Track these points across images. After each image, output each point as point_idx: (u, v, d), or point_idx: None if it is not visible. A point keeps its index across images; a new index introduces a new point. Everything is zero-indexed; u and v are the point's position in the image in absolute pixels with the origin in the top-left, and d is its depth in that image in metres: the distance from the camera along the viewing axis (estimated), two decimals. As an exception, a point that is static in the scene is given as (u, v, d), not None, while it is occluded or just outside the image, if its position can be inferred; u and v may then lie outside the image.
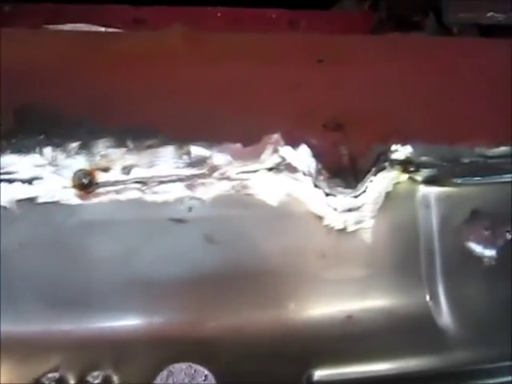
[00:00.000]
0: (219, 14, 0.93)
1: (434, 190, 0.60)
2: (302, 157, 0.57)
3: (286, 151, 0.57)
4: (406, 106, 0.61)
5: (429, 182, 0.61)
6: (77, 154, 0.53)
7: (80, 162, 0.53)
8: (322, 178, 0.57)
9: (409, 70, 0.64)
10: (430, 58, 0.66)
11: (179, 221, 0.55)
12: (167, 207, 0.54)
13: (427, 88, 0.63)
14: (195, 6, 0.90)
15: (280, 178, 0.57)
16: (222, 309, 0.55)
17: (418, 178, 0.61)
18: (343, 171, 0.57)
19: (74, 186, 0.53)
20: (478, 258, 0.61)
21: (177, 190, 0.55)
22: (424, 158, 0.60)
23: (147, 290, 0.54)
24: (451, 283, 0.60)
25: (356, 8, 1.11)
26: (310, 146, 0.57)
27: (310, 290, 0.57)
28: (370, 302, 0.58)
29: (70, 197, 0.53)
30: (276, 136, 0.57)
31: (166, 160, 0.54)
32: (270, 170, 0.57)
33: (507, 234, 0.61)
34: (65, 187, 0.53)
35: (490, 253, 0.61)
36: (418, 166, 0.60)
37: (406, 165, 0.60)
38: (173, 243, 0.55)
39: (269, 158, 0.56)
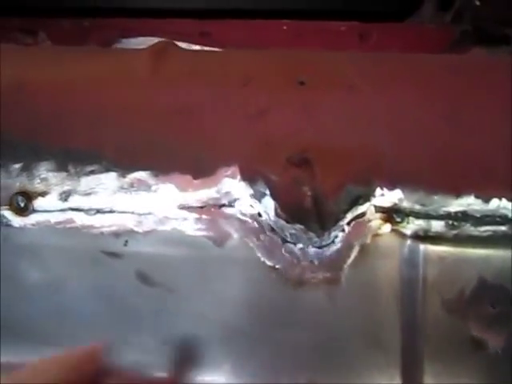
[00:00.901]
0: (285, 28, 0.89)
1: (424, 248, 0.49)
2: (259, 194, 0.49)
3: (242, 187, 0.49)
4: (402, 141, 0.50)
5: (419, 237, 0.49)
6: (17, 175, 0.51)
7: (19, 185, 0.51)
8: (279, 220, 0.49)
9: (413, 97, 0.53)
10: (446, 81, 0.54)
11: (112, 254, 0.50)
12: (102, 239, 0.50)
13: (433, 120, 0.52)
14: (260, 19, 0.88)
15: (230, 217, 0.50)
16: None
17: (406, 230, 0.49)
18: (306, 215, 0.48)
19: (10, 209, 0.51)
20: (479, 344, 0.48)
21: (114, 221, 0.50)
22: (417, 207, 0.49)
23: (70, 322, 0.49)
24: (437, 373, 0.47)
25: (435, 19, 1.03)
26: (267, 183, 0.49)
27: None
28: (324, 377, 0.48)
29: (6, 219, 0.51)
30: (232, 169, 0.50)
31: (107, 188, 0.50)
32: (221, 207, 0.50)
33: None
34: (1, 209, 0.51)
35: (495, 339, 0.47)
36: (408, 216, 0.49)
37: (391, 213, 0.49)
38: (103, 278, 0.50)
39: (221, 194, 0.50)
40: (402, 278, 0.48)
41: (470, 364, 0.47)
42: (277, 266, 0.49)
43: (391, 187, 0.49)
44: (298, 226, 0.48)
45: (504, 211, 0.49)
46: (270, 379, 0.49)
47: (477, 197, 0.49)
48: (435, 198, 0.49)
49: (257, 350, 0.49)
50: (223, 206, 0.50)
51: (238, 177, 0.49)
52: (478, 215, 0.49)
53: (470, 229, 0.49)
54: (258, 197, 0.49)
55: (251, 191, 0.49)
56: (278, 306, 0.49)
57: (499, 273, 0.48)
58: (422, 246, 0.48)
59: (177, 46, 0.59)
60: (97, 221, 0.50)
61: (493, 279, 0.48)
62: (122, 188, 0.50)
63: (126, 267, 0.49)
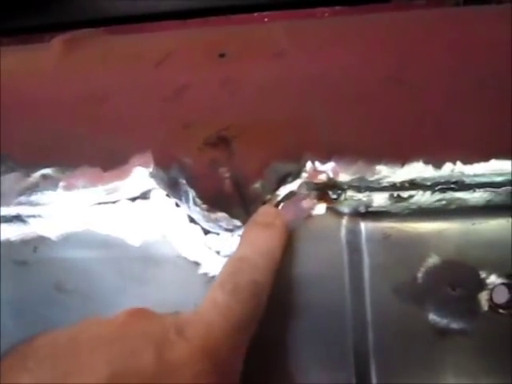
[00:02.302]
0: (266, 20, 0.83)
1: (367, 226, 0.42)
2: (174, 182, 0.43)
3: (155, 176, 0.44)
4: (337, 109, 0.44)
5: (360, 214, 0.42)
6: None
7: None
8: (198, 209, 0.43)
9: (352, 59, 0.47)
10: (391, 39, 0.48)
11: (22, 263, 0.45)
12: (10, 247, 0.45)
13: (375, 82, 0.45)
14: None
15: (145, 211, 0.44)
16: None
17: (344, 209, 0.42)
18: (227, 200, 0.42)
19: None
20: (440, 332, 0.40)
21: (20, 227, 0.45)
22: (356, 181, 0.42)
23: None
24: (390, 365, 0.40)
25: None
26: (182, 168, 0.43)
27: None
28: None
29: None
30: (145, 157, 0.44)
31: (11, 191, 0.45)
32: (134, 199, 0.45)
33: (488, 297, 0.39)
34: None
35: (458, 325, 0.40)
36: (345, 192, 0.42)
37: (325, 190, 0.43)
38: (16, 289, 0.45)
39: (133, 185, 0.44)
40: (344, 262, 0.41)
41: (429, 354, 0.40)
42: (199, 262, 0.43)
43: (324, 160, 0.42)
44: (220, 214, 0.42)
45: (460, 176, 0.42)
46: None
47: (426, 163, 0.42)
48: (377, 168, 0.42)
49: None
50: (137, 198, 0.44)
51: (152, 165, 0.44)
52: (429, 183, 0.42)
53: (420, 200, 0.42)
54: (174, 185, 0.43)
55: (166, 179, 0.44)
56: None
57: (458, 249, 0.40)
58: (364, 224, 0.42)
59: (97, 32, 0.54)
60: (3, 228, 0.45)
61: (451, 257, 0.40)
62: (27, 189, 0.45)
63: (37, 276, 0.45)
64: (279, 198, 0.43)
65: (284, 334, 0.42)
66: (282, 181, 0.42)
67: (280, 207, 0.42)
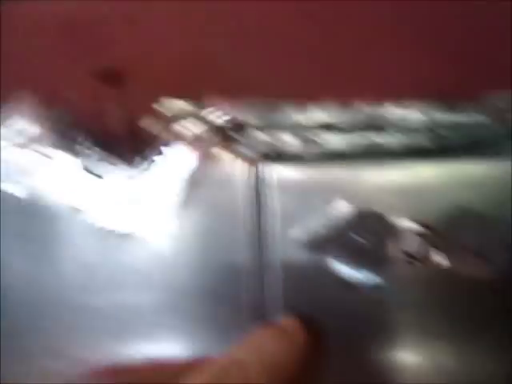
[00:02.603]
0: None
1: (274, 172, 0.38)
2: (59, 122, 0.38)
3: (37, 118, 0.39)
4: (243, 44, 0.40)
5: (265, 157, 0.38)
6: None
7: None
8: (87, 152, 0.38)
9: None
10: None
11: None
12: None
13: (288, 13, 0.41)
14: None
15: (31, 158, 0.39)
16: None
17: (249, 152, 0.38)
18: (115, 141, 0.38)
19: None
20: (349, 282, 0.37)
21: None
22: (261, 121, 0.38)
23: None
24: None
25: None
26: (66, 105, 0.38)
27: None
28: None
29: None
30: (30, 95, 0.39)
31: None
32: (20, 146, 0.39)
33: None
34: None
35: (368, 275, 0.37)
36: (249, 133, 0.39)
37: (227, 131, 0.39)
38: None
39: (14, 132, 0.39)
40: (249, 210, 0.38)
41: (338, 307, 0.37)
42: (87, 210, 0.38)
43: (227, 99, 0.38)
44: (105, 155, 0.37)
45: (375, 119, 0.39)
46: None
47: (338, 104, 0.39)
48: (286, 108, 0.39)
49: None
50: (22, 144, 0.39)
51: (33, 100, 0.39)
52: (343, 126, 0.39)
53: (332, 143, 0.38)
54: (58, 126, 0.38)
55: (52, 120, 0.38)
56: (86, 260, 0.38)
57: (369, 195, 0.37)
58: (271, 169, 0.38)
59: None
60: None
61: (362, 203, 0.37)
62: None
63: None
64: (172, 138, 0.38)
65: (177, 291, 0.38)
66: (178, 120, 0.38)
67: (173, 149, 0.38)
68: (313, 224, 0.37)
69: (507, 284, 0.36)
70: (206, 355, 0.36)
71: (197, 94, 0.38)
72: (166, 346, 0.38)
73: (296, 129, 0.38)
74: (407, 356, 0.37)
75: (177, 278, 0.38)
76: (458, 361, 0.37)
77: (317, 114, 0.39)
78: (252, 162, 0.38)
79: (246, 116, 0.38)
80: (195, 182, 0.38)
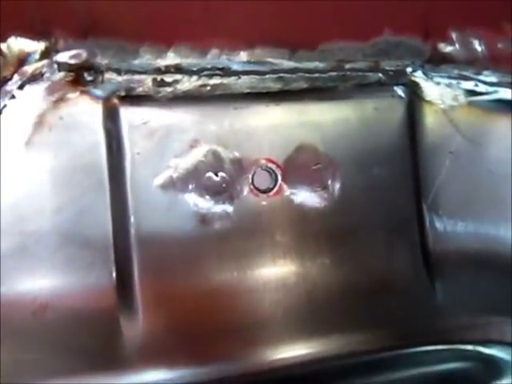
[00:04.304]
0: None
1: (127, 113, 0.39)
2: None
3: None
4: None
5: (119, 99, 0.39)
6: None
7: None
8: None
9: None
10: None
11: None
12: None
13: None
14: None
15: None
16: None
17: (101, 93, 0.38)
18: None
19: None
20: (203, 218, 0.40)
21: None
22: (115, 62, 0.38)
23: None
24: (153, 257, 0.39)
25: None
26: None
27: None
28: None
29: None
30: None
31: None
32: None
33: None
34: None
35: (221, 209, 0.40)
36: (103, 74, 0.39)
37: (80, 72, 0.38)
38: None
39: None
40: (102, 152, 0.38)
41: (194, 241, 0.39)
42: None
43: (78, 38, 0.38)
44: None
45: (225, 63, 0.41)
46: None
47: (192, 48, 0.40)
48: (140, 50, 0.39)
49: None
50: None
51: None
52: (194, 69, 0.40)
53: (184, 85, 0.40)
54: None
55: None
56: None
57: (220, 134, 0.40)
58: (124, 110, 0.38)
59: None
60: None
61: (213, 142, 0.40)
62: None
63: None
64: (22, 80, 0.37)
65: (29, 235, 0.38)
66: (26, 59, 0.37)
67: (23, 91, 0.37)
68: (165, 162, 0.39)
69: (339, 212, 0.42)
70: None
71: (45, 32, 0.37)
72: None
73: (150, 71, 0.39)
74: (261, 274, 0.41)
75: (29, 222, 0.37)
76: (300, 275, 0.42)
77: (170, 58, 0.40)
78: (106, 103, 0.38)
79: (100, 57, 0.38)
80: (47, 124, 0.37)
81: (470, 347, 0.43)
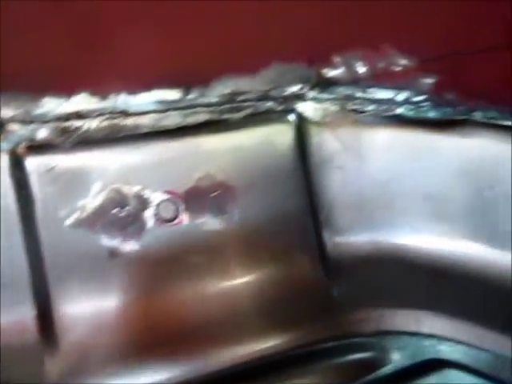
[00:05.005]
0: None
1: (32, 162, 0.42)
2: None
3: None
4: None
5: (24, 149, 0.42)
6: None
7: None
8: None
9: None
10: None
11: None
12: None
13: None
14: None
15: None
16: None
17: (5, 145, 0.41)
18: None
19: None
20: (112, 252, 0.44)
21: None
22: (18, 114, 0.41)
23: None
24: (68, 291, 0.42)
25: None
26: None
27: None
28: None
29: None
30: None
31: None
32: None
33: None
34: None
35: (128, 243, 0.44)
36: (7, 127, 0.42)
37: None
38: None
39: None
40: (12, 201, 0.41)
41: (104, 274, 0.43)
42: None
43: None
44: None
45: (125, 106, 0.44)
46: None
47: (92, 94, 0.44)
48: (42, 100, 0.42)
49: None
50: None
51: None
52: (95, 114, 0.43)
53: (86, 130, 0.43)
54: None
55: None
56: None
57: (122, 172, 0.43)
58: (29, 159, 0.41)
59: None
60: None
61: (116, 180, 0.43)
62: None
63: None
64: None
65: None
66: None
67: None
68: (72, 205, 0.42)
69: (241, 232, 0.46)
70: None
71: None
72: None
73: (53, 120, 0.42)
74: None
75: None
76: (215, 290, 0.47)
77: (71, 105, 0.43)
78: (12, 154, 0.41)
79: (2, 110, 0.41)
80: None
81: (367, 339, 0.49)
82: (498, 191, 0.47)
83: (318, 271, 0.49)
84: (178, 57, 0.48)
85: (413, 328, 0.47)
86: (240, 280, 0.46)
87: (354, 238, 0.51)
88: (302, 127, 0.49)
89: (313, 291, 0.48)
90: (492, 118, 0.50)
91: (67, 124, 0.43)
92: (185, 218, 0.45)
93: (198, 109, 0.46)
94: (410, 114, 0.51)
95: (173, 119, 0.46)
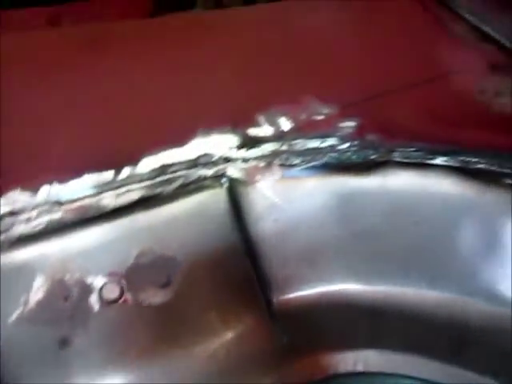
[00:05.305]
0: None
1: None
2: None
3: None
4: None
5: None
6: None
7: None
8: None
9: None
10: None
11: None
12: None
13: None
14: None
15: None
16: None
17: None
18: None
19: None
20: (63, 341, 0.45)
21: None
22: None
23: None
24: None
25: None
26: None
27: None
28: None
29: None
30: None
31: None
32: None
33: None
34: None
35: (76, 329, 0.45)
36: None
37: None
38: None
39: None
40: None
41: (59, 363, 0.44)
42: None
43: None
44: None
45: (58, 196, 0.46)
46: None
47: (23, 189, 0.45)
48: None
49: None
50: None
51: None
52: (29, 209, 0.45)
53: (21, 227, 0.45)
54: None
55: None
56: None
57: (60, 264, 0.45)
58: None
59: None
60: None
61: (56, 272, 0.45)
62: None
63: None
64: None
65: None
66: None
67: None
68: (15, 302, 0.44)
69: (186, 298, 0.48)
70: None
71: None
72: None
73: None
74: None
75: None
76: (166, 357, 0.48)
77: (4, 204, 0.44)
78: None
79: None
80: None
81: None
82: (423, 227, 0.51)
83: (266, 327, 0.51)
84: (105, 140, 0.50)
85: (360, 368, 0.50)
86: (190, 348, 0.48)
87: (297, 287, 0.53)
88: (233, 189, 0.51)
89: (262, 346, 0.50)
90: (412, 156, 0.54)
91: (2, 223, 0.44)
92: (129, 297, 0.47)
93: (131, 186, 0.48)
94: (335, 160, 0.54)
95: (107, 201, 0.47)
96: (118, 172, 0.48)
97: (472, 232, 0.47)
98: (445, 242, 0.48)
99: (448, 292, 0.48)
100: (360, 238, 0.53)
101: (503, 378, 0.46)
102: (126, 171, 0.48)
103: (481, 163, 0.49)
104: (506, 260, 0.45)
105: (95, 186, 0.47)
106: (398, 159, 0.53)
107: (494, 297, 0.46)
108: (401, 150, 0.53)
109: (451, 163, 0.51)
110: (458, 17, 0.64)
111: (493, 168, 0.48)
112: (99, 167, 0.48)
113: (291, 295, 0.53)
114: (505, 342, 0.44)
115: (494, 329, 0.45)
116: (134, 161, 0.49)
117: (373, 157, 0.54)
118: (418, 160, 0.53)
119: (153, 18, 0.89)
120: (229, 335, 0.50)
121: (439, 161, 0.51)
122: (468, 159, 0.51)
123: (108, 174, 0.48)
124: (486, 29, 0.61)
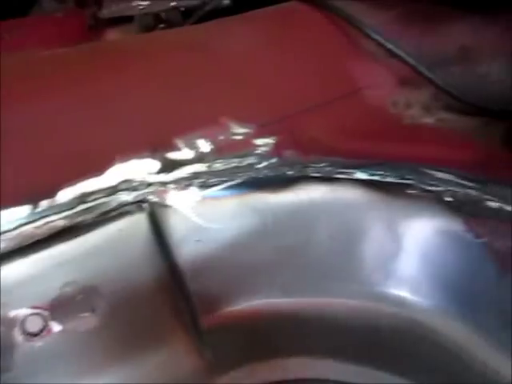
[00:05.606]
0: None
1: None
2: None
3: None
4: None
5: None
6: None
7: None
8: None
9: None
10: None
11: None
12: None
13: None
14: None
15: None
16: None
17: None
18: None
19: None
20: None
21: None
22: None
23: None
24: None
25: (59, 7, 1.00)
26: None
27: None
28: None
29: None
30: None
31: None
32: None
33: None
34: None
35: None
36: None
37: None
38: None
39: None
40: None
41: None
42: None
43: None
44: None
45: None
46: None
47: None
48: None
49: None
50: None
51: None
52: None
53: None
54: None
55: None
56: None
57: None
58: None
59: None
60: None
61: None
62: None
63: None
64: None
65: None
66: None
67: None
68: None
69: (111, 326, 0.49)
70: None
71: None
72: None
73: None
74: None
75: None
76: None
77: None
78: None
79: None
80: None
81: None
82: (337, 240, 0.54)
83: (195, 347, 0.52)
84: (23, 173, 0.50)
85: (291, 376, 0.52)
86: (118, 374, 0.49)
87: (224, 304, 0.55)
88: (154, 213, 0.52)
89: (193, 366, 0.52)
90: (324, 171, 0.57)
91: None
92: (54, 327, 0.47)
93: (49, 218, 0.49)
94: (254, 178, 0.56)
95: (25, 235, 0.48)
96: (35, 207, 0.48)
97: (378, 241, 0.50)
98: (356, 253, 0.51)
99: (361, 299, 0.51)
100: (282, 253, 0.55)
101: (408, 375, 0.49)
102: (44, 203, 0.49)
103: (386, 175, 0.53)
104: (408, 265, 0.49)
105: (11, 222, 0.47)
106: (311, 174, 0.56)
107: (399, 300, 0.49)
108: (313, 165, 0.56)
109: (361, 176, 0.54)
110: (367, 35, 0.67)
111: (396, 180, 0.52)
112: (15, 202, 0.48)
113: (218, 312, 0.54)
114: (409, 343, 0.47)
115: (399, 330, 0.48)
116: (51, 195, 0.49)
117: (289, 173, 0.57)
118: (330, 175, 0.56)
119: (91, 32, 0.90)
120: (158, 358, 0.51)
121: (349, 175, 0.54)
122: (377, 172, 0.55)
123: (25, 209, 0.48)
124: (390, 46, 0.64)
